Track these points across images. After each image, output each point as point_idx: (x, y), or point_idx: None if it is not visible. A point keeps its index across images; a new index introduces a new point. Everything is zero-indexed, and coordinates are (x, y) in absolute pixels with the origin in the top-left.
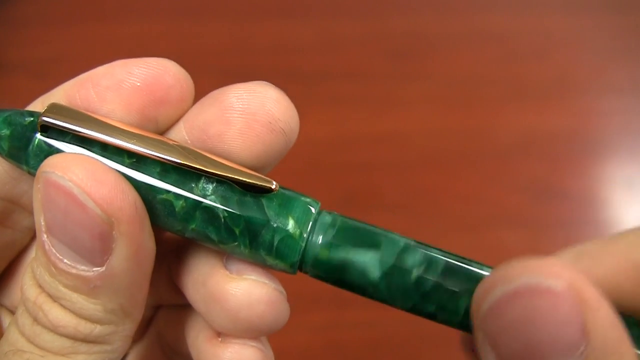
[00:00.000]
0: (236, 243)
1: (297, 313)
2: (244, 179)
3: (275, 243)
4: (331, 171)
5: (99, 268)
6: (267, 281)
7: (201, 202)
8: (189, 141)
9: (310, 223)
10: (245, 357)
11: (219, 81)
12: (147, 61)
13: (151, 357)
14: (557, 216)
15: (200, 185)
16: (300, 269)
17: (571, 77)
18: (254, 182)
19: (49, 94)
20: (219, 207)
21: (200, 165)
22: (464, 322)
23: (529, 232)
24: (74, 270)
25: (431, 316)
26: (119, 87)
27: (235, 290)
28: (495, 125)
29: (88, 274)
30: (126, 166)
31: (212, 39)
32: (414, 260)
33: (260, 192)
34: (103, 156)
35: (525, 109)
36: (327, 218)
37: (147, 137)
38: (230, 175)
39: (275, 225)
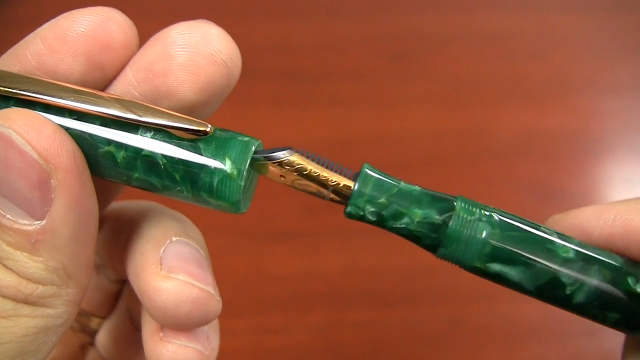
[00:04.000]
0: (178, 188)
1: (297, 313)
2: (178, 124)
3: (215, 184)
4: None
5: (39, 221)
6: (195, 282)
7: (141, 151)
8: (136, 84)
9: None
10: (181, 358)
11: None
12: (91, 10)
13: (122, 332)
14: None
15: (139, 134)
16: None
17: (571, 77)
18: (188, 126)
19: (1, 58)
20: (157, 154)
21: (135, 115)
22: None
23: None
24: (16, 225)
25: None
26: (65, 36)
27: (162, 289)
28: (495, 125)
29: (29, 227)
30: (67, 120)
31: None
32: (569, 280)
33: (196, 135)
34: (46, 113)
35: (525, 109)
36: (493, 218)
37: (85, 92)
38: (165, 122)
39: (212, 167)
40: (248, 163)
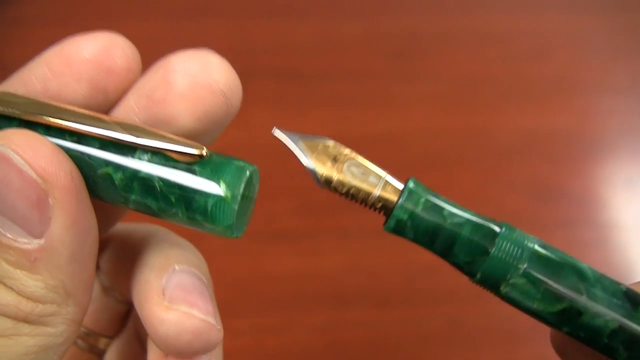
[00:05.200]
0: (174, 210)
1: (297, 313)
2: (174, 147)
3: (209, 207)
4: None
5: (38, 240)
6: (196, 312)
7: (138, 173)
8: (137, 110)
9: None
10: None
11: None
12: (95, 35)
13: (130, 352)
14: (557, 216)
15: (135, 157)
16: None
17: (571, 77)
18: (184, 149)
19: (6, 81)
20: (154, 177)
21: (133, 137)
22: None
23: (528, 232)
24: (15, 244)
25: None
26: (69, 61)
27: (164, 319)
28: (495, 125)
29: (28, 246)
30: (67, 142)
31: (212, 39)
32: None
33: (192, 158)
34: (47, 135)
35: (525, 109)
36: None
37: (85, 115)
38: (161, 145)
39: (207, 190)
40: (242, 187)
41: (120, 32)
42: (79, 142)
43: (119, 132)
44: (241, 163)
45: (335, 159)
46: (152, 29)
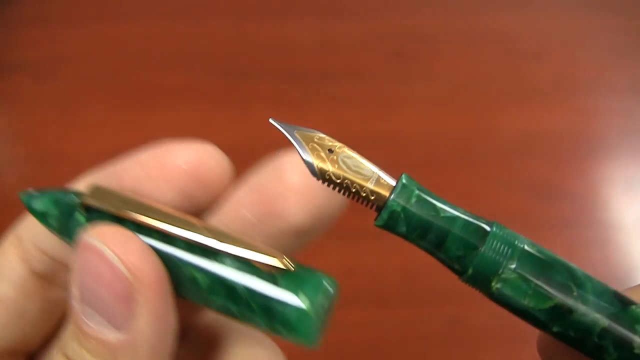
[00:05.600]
0: (255, 317)
1: None
2: (261, 258)
3: (291, 319)
4: None
5: (121, 333)
6: None
7: (222, 278)
8: (247, 204)
9: None
10: None
11: (219, 81)
12: (192, 145)
13: None
14: (557, 216)
15: (221, 262)
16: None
17: (571, 77)
18: (270, 261)
19: (99, 172)
20: (238, 283)
21: (220, 243)
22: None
23: (529, 232)
24: (99, 335)
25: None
26: (164, 166)
27: None
28: (496, 125)
29: (111, 338)
30: (155, 241)
31: (212, 39)
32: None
33: (277, 270)
34: (137, 232)
35: (526, 109)
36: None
37: (175, 217)
38: (247, 254)
39: (289, 302)
40: (325, 302)
41: (121, 32)
42: (166, 241)
43: (207, 237)
44: (325, 277)
45: (330, 151)
46: (152, 29)
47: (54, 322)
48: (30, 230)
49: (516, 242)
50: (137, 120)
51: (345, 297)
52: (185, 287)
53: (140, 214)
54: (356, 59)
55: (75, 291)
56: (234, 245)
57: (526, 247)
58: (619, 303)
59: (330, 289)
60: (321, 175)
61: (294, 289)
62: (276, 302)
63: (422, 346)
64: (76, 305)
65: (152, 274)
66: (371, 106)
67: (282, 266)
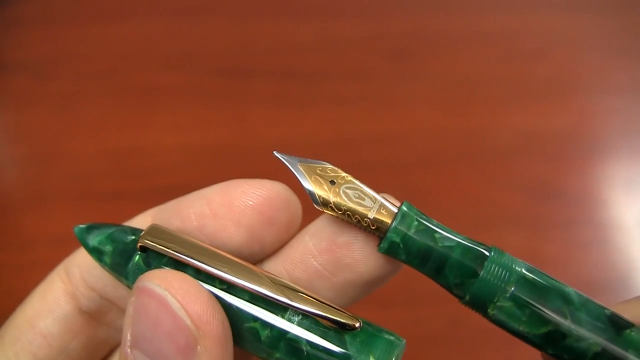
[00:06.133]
0: None
1: None
2: (329, 316)
3: None
4: None
5: None
6: None
7: (286, 333)
8: (316, 253)
9: None
10: None
11: (219, 81)
12: (261, 183)
13: None
14: (557, 216)
15: (286, 317)
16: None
17: (571, 77)
18: (338, 318)
19: (161, 208)
20: (302, 340)
21: (287, 298)
22: None
23: (529, 232)
24: None
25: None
26: (232, 205)
27: None
28: (495, 125)
29: None
30: (217, 289)
31: (212, 39)
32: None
33: (344, 328)
34: (197, 279)
35: (525, 109)
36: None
37: (238, 264)
38: (315, 311)
39: None
40: None
41: (121, 32)
42: (229, 291)
43: (272, 289)
44: (392, 337)
45: (332, 182)
46: (152, 29)
47: None
48: (81, 266)
49: (514, 266)
50: (137, 120)
51: None
52: (246, 339)
53: (202, 259)
54: (356, 59)
55: (128, 336)
56: (300, 300)
57: (524, 271)
58: (614, 328)
59: (399, 350)
60: (323, 205)
61: (362, 349)
62: None
63: (423, 346)
64: (128, 351)
65: (216, 326)
66: (371, 106)
67: (352, 324)
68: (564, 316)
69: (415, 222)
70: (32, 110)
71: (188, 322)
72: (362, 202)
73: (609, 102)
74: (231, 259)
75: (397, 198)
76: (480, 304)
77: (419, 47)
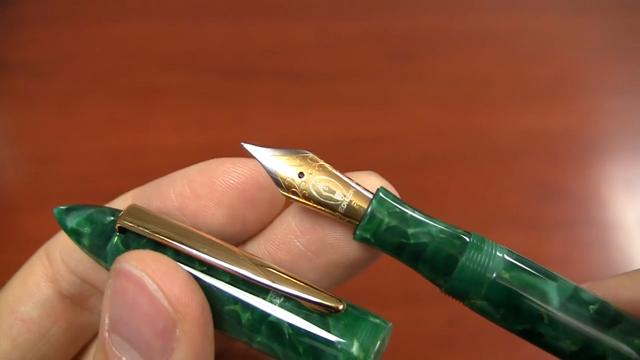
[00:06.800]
0: None
1: None
2: (312, 298)
3: None
4: None
5: None
6: None
7: (267, 316)
8: (299, 233)
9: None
10: None
11: (219, 81)
12: (243, 162)
13: None
14: (557, 216)
15: (267, 299)
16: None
17: (571, 77)
18: (321, 300)
19: (142, 188)
20: (284, 323)
21: (268, 280)
22: None
23: (529, 232)
24: None
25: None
26: (213, 184)
27: None
28: (495, 125)
29: None
30: (197, 271)
31: (212, 39)
32: (589, 297)
33: (328, 311)
34: (176, 260)
35: (525, 109)
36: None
37: (219, 246)
38: (297, 293)
39: (339, 346)
40: (377, 347)
41: (121, 32)
42: (209, 273)
43: (253, 271)
44: (377, 320)
45: (301, 175)
46: (152, 29)
47: (79, 347)
48: (62, 249)
49: (491, 264)
50: (137, 120)
51: (345, 297)
52: (225, 322)
53: (182, 240)
54: (356, 59)
55: (106, 320)
56: (282, 281)
57: (502, 270)
58: (594, 329)
59: (385, 333)
60: (293, 199)
61: (346, 333)
62: (326, 346)
63: (422, 346)
64: (106, 335)
65: (195, 308)
66: (371, 106)
67: (336, 307)
68: (541, 318)
69: (386, 221)
70: (32, 110)
71: (166, 304)
72: (332, 195)
73: (609, 102)
74: (212, 240)
75: None
76: (458, 297)
77: (419, 47)
